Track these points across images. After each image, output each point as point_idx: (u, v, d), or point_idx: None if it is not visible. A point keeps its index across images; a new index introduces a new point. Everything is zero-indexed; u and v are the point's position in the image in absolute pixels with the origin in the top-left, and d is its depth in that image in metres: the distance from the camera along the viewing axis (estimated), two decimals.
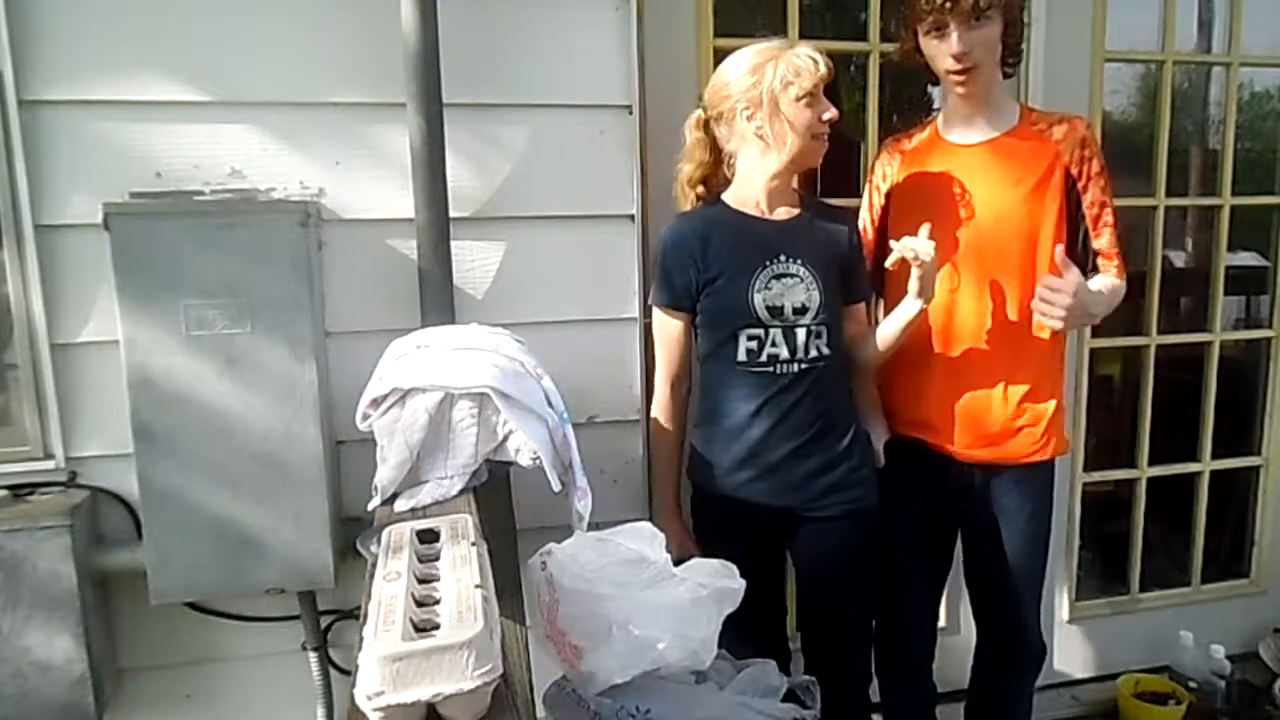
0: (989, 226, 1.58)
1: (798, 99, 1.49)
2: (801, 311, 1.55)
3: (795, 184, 1.63)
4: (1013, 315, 1.59)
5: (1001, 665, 1.79)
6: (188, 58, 1.51)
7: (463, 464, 1.22)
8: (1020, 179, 1.57)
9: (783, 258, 1.55)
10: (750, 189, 1.58)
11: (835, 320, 1.59)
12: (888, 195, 1.72)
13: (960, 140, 1.63)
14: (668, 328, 1.63)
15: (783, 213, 1.59)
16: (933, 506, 1.70)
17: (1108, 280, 1.62)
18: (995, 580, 1.72)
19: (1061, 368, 1.68)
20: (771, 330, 1.55)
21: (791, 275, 1.55)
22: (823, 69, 1.50)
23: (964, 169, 1.61)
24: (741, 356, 1.56)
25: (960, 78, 1.53)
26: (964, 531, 1.73)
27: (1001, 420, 1.61)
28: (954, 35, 1.49)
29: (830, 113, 1.52)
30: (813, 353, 1.55)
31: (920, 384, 1.66)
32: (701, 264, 1.56)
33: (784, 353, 1.55)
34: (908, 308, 1.54)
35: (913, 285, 1.51)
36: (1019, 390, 1.60)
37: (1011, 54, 1.59)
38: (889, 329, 1.58)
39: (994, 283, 1.59)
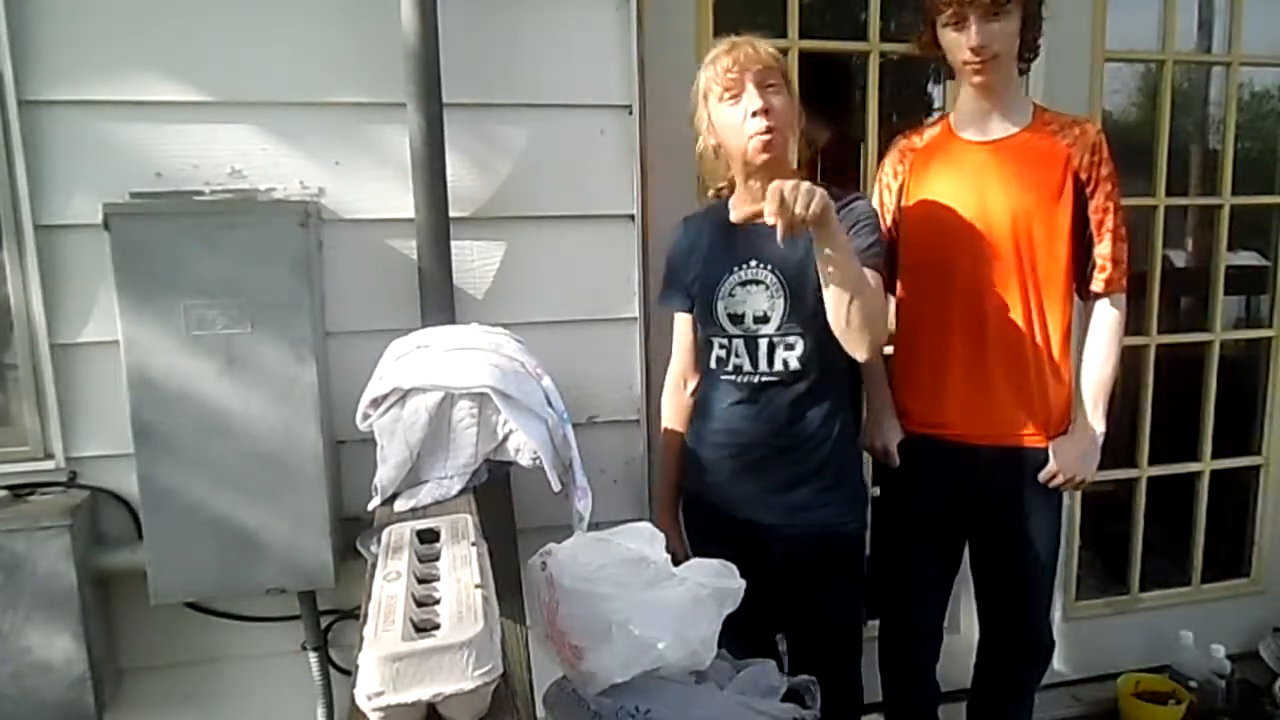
0: (1003, 225, 1.58)
1: (720, 101, 1.45)
2: (763, 320, 1.48)
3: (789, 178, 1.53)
4: (1026, 311, 1.60)
5: (1009, 659, 1.79)
6: (188, 58, 1.51)
7: (463, 464, 1.22)
8: (1033, 180, 1.58)
9: (753, 263, 1.49)
10: (739, 192, 1.55)
11: (821, 330, 1.43)
12: (899, 194, 1.71)
13: (974, 138, 1.63)
14: (676, 325, 1.66)
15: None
16: (948, 505, 1.69)
17: (1100, 356, 1.64)
18: (1011, 573, 1.71)
19: (1069, 355, 1.68)
20: (734, 340, 1.51)
21: (757, 282, 1.48)
22: (735, 58, 1.41)
23: (978, 167, 1.61)
24: (713, 364, 1.55)
25: (978, 66, 1.53)
26: (978, 526, 1.72)
27: (1019, 409, 1.62)
28: (973, 27, 1.50)
29: (754, 105, 1.40)
30: (778, 365, 1.48)
31: (937, 382, 1.66)
32: (687, 268, 1.59)
33: (746, 364, 1.50)
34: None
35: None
36: (1034, 380, 1.62)
37: (1029, 49, 1.60)
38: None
39: (1007, 279, 1.59)
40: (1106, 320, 1.64)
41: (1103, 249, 1.60)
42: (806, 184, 1.23)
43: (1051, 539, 1.70)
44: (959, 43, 1.53)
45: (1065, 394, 1.66)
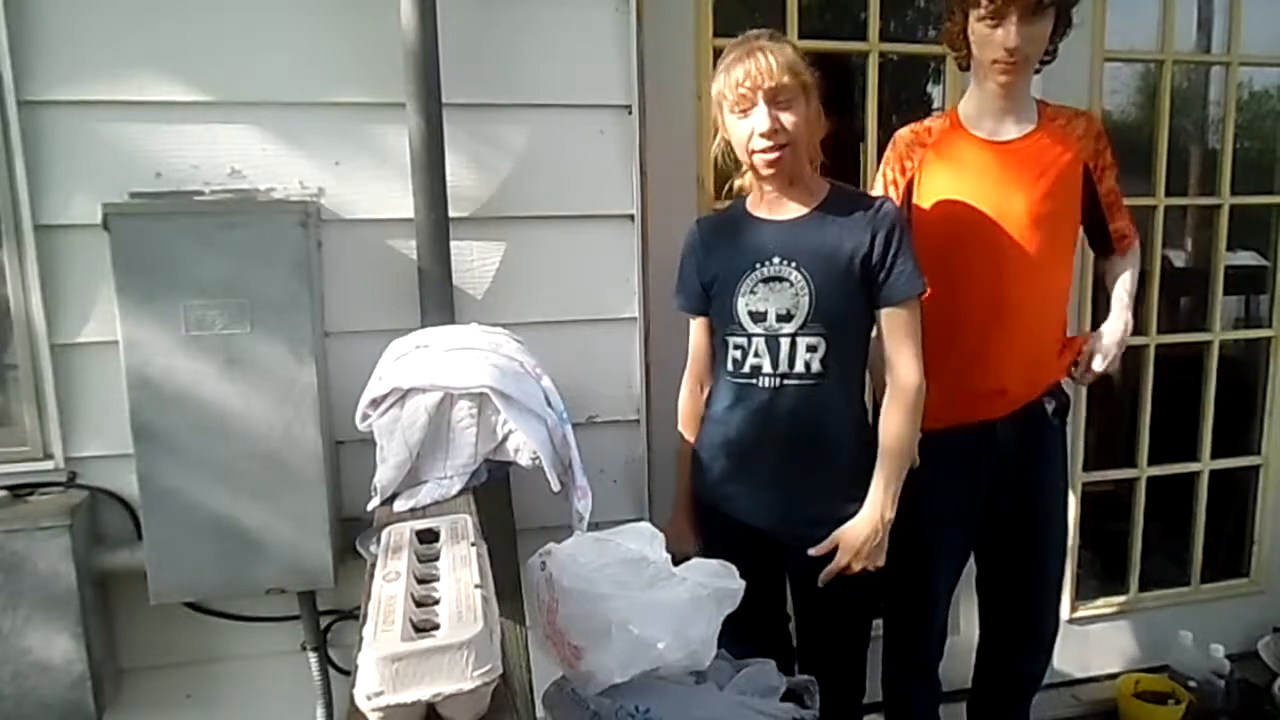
0: (1025, 226, 1.59)
1: (731, 111, 1.43)
2: (786, 318, 1.43)
3: (809, 177, 1.49)
4: (1042, 299, 1.63)
5: (1013, 653, 1.79)
6: (188, 58, 1.51)
7: (462, 464, 1.22)
8: (1052, 179, 1.60)
9: (776, 260, 1.45)
10: (754, 191, 1.54)
11: (841, 333, 1.44)
12: (908, 188, 1.70)
13: (989, 137, 1.64)
14: (691, 329, 1.64)
15: (791, 211, 1.48)
16: (964, 499, 1.68)
17: (1127, 274, 1.72)
18: (1027, 555, 1.72)
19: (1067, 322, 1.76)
20: (754, 339, 1.46)
21: (782, 279, 1.44)
22: (748, 70, 1.37)
23: (996, 167, 1.61)
24: (729, 366, 1.51)
25: (1007, 67, 1.53)
26: (993, 515, 1.70)
27: (1032, 386, 1.66)
28: (1012, 28, 1.49)
29: (761, 127, 1.38)
30: (799, 367, 1.43)
31: (957, 379, 1.64)
32: (702, 268, 1.56)
33: (766, 364, 1.45)
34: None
35: None
36: (1044, 358, 1.66)
37: (1049, 53, 1.61)
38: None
39: (1027, 276, 1.60)
40: (1133, 256, 1.74)
41: (1119, 225, 1.71)
42: (880, 547, 1.46)
43: (1063, 518, 1.73)
44: (992, 40, 1.52)
45: (1065, 351, 1.70)
